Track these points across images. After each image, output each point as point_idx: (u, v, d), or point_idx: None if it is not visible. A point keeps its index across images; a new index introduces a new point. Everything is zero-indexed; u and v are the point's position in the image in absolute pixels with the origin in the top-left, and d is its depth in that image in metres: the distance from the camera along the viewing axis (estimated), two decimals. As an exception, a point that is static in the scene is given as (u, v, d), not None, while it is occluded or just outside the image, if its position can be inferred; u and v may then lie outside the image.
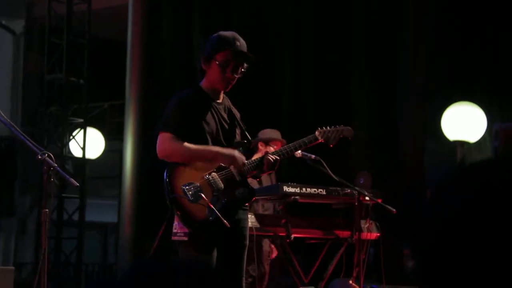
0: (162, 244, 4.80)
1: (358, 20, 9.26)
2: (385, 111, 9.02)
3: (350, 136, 5.07)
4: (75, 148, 11.30)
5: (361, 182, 8.28)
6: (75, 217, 11.18)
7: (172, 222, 4.44)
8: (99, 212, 13.78)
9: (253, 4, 10.06)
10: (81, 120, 11.30)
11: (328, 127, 4.96)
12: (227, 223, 4.28)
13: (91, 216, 12.67)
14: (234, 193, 4.49)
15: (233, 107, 4.71)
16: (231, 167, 4.50)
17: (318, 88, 9.41)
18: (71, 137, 11.25)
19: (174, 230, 4.42)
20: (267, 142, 6.90)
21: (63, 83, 11.12)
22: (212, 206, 4.33)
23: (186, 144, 4.39)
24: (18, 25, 14.27)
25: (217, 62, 4.48)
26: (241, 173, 4.52)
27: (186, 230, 4.36)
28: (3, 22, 14.36)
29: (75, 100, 11.30)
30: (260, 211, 6.81)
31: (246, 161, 4.52)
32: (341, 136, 5.00)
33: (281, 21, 9.84)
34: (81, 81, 11.21)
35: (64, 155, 11.14)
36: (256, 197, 6.37)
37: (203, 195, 4.35)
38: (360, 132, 8.97)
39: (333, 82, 9.36)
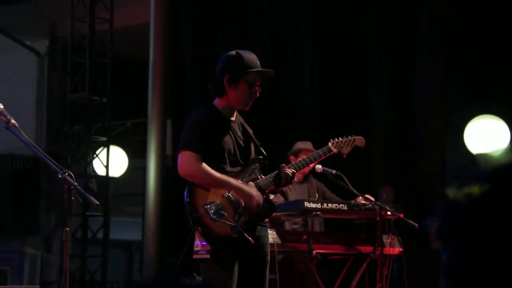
0: (185, 261, 4.80)
1: (373, 32, 9.25)
2: (404, 125, 8.99)
3: (362, 145, 5.13)
4: (98, 167, 11.36)
5: (384, 197, 8.25)
6: (100, 235, 11.23)
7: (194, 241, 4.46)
8: (124, 230, 13.82)
9: (271, 20, 10.08)
10: (104, 139, 11.36)
11: (340, 138, 5.03)
12: (251, 239, 4.30)
13: (116, 234, 12.71)
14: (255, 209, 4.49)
15: (246, 124, 4.74)
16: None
17: (337, 102, 9.40)
18: (94, 155, 11.31)
19: (196, 249, 4.43)
20: (296, 154, 6.93)
21: (86, 102, 11.19)
22: (235, 224, 4.34)
23: (209, 170, 4.39)
24: (42, 46, 14.44)
25: (246, 83, 4.51)
26: (259, 188, 4.53)
27: (208, 248, 4.37)
28: (27, 42, 14.54)
29: (98, 119, 11.37)
30: (289, 227, 6.80)
31: (261, 203, 4.51)
32: (354, 145, 5.08)
33: (299, 33, 9.84)
34: (104, 99, 11.28)
35: (88, 174, 11.20)
36: (278, 213, 6.42)
37: (224, 212, 4.37)
38: (380, 146, 8.97)
39: (352, 95, 9.35)
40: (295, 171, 4.66)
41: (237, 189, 4.44)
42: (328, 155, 5.00)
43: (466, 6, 8.65)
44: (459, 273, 1.18)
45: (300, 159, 6.70)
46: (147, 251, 10.26)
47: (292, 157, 6.96)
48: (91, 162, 11.27)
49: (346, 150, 5.04)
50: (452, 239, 1.27)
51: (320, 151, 5.00)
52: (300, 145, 7.09)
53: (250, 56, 4.60)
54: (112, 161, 11.49)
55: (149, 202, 10.25)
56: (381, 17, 9.25)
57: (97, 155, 11.30)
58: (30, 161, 13.21)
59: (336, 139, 5.05)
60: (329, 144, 5.02)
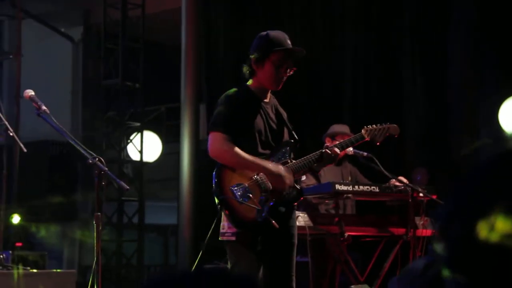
0: (211, 244, 4.83)
1: (406, 15, 9.16)
2: (438, 106, 8.91)
3: (396, 134, 5.08)
4: (133, 152, 11.44)
5: (418, 179, 8.19)
6: (135, 219, 11.33)
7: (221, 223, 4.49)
8: (160, 214, 13.92)
9: (303, 5, 10.02)
10: (138, 124, 11.43)
11: (374, 125, 4.99)
12: (276, 224, 4.30)
13: (152, 218, 12.81)
14: (282, 193, 4.49)
15: (280, 107, 4.73)
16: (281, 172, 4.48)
17: (371, 85, 9.34)
18: (128, 141, 11.39)
19: (222, 230, 4.46)
20: (333, 137, 6.90)
21: (119, 87, 11.27)
22: (261, 207, 4.34)
23: (238, 150, 4.40)
24: (76, 33, 14.55)
25: (272, 63, 4.50)
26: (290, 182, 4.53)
27: (234, 230, 4.39)
28: (62, 30, 14.65)
29: (132, 104, 11.45)
30: (323, 210, 6.80)
31: (292, 183, 4.51)
32: (387, 134, 5.03)
33: (332, 18, 9.77)
34: (137, 85, 11.35)
35: (122, 159, 11.29)
36: (309, 196, 6.43)
37: (251, 195, 4.37)
38: (416, 129, 8.90)
39: (385, 79, 9.28)
40: (338, 151, 4.67)
41: (266, 170, 4.44)
42: (361, 142, 4.99)
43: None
44: (461, 262, 1.12)
45: (336, 142, 6.72)
46: (182, 235, 10.32)
47: (328, 139, 6.92)
48: (125, 148, 11.36)
49: (379, 139, 5.02)
50: (450, 225, 1.21)
51: (352, 138, 5.00)
52: (336, 128, 7.05)
53: (278, 35, 4.57)
54: (146, 146, 11.57)
55: (183, 187, 10.30)
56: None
57: (131, 141, 11.38)
58: (66, 147, 13.35)
59: (369, 126, 5.01)
60: (362, 131, 4.99)
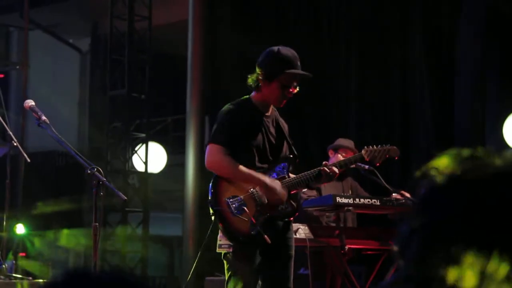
0: (213, 256, 4.83)
1: (415, 25, 9.16)
2: (445, 118, 8.90)
3: (396, 156, 5.10)
4: (138, 163, 11.45)
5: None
6: (139, 230, 11.32)
7: (216, 233, 4.50)
8: (165, 226, 13.92)
9: (310, 15, 10.04)
10: (143, 135, 11.44)
11: (374, 146, 5.00)
12: (268, 239, 4.30)
13: (157, 229, 12.79)
14: (277, 208, 4.49)
15: (281, 119, 4.72)
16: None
17: (379, 97, 9.35)
18: (133, 151, 11.40)
19: (219, 242, 4.46)
20: (336, 149, 6.91)
21: (125, 98, 11.29)
22: (255, 221, 4.35)
23: (234, 163, 4.41)
24: (85, 43, 14.62)
25: (279, 82, 4.48)
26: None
27: (230, 242, 4.41)
28: (71, 41, 14.72)
29: (138, 115, 11.46)
30: (324, 222, 6.79)
31: (284, 199, 4.50)
32: (387, 156, 5.04)
33: (338, 27, 9.77)
34: (143, 96, 11.37)
35: (127, 170, 11.29)
36: (310, 208, 6.42)
37: (246, 208, 4.38)
38: (422, 142, 8.89)
39: (393, 90, 9.29)
40: (336, 170, 4.64)
41: (260, 183, 4.44)
42: (360, 162, 5.06)
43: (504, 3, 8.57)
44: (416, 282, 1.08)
45: (338, 155, 6.75)
46: (186, 246, 10.31)
47: (331, 151, 6.95)
48: (130, 159, 11.37)
49: (379, 160, 5.04)
50: (409, 244, 1.16)
51: (352, 158, 5.05)
52: (341, 141, 7.05)
53: (289, 55, 4.52)
54: (151, 158, 11.57)
55: (188, 198, 10.30)
56: (423, 11, 9.15)
57: (136, 151, 11.39)
58: (73, 158, 13.33)
59: (370, 147, 5.02)
60: (363, 151, 5.01)
